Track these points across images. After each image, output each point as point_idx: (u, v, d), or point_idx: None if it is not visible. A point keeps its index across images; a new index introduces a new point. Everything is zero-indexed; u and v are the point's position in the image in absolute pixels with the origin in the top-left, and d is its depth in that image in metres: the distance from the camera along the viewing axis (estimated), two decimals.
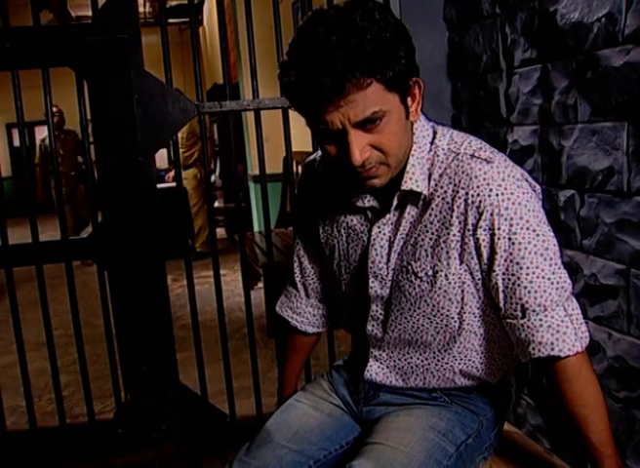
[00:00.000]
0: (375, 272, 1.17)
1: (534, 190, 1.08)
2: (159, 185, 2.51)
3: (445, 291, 1.11)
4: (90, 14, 1.89)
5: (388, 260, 1.15)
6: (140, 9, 9.75)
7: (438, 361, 1.20)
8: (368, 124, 1.00)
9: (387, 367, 1.25)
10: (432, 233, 1.09)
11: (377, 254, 1.16)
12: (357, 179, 1.06)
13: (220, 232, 7.33)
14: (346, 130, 1.00)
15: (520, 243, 1.04)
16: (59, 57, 1.92)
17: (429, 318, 1.15)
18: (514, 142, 1.76)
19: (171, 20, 9.32)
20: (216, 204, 7.45)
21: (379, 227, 1.15)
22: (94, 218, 2.06)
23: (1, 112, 11.56)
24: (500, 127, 1.82)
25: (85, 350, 2.07)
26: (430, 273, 1.11)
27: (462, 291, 1.11)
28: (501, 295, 1.08)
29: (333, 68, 0.94)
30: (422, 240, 1.11)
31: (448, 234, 1.08)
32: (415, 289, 1.13)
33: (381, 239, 1.15)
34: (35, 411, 2.12)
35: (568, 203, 1.58)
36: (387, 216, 1.14)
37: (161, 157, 8.63)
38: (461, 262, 1.09)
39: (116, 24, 1.88)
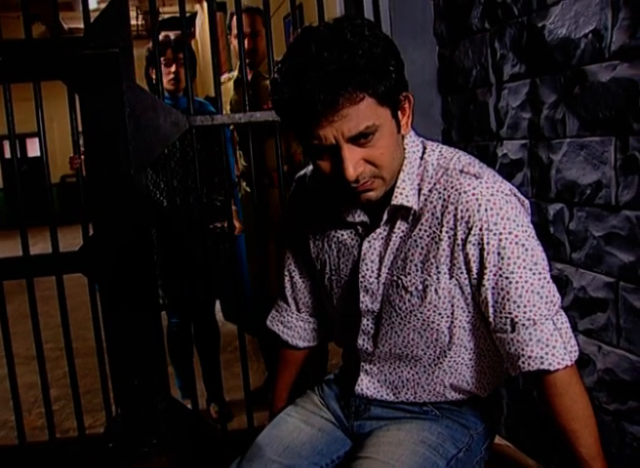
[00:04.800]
0: (365, 286, 1.17)
1: (522, 205, 1.09)
2: None
3: (435, 305, 1.12)
4: (82, 26, 1.89)
5: (379, 275, 1.15)
6: (133, 21, 9.77)
7: (429, 375, 1.20)
8: (361, 138, 1.00)
9: (378, 381, 1.25)
10: (422, 248, 1.10)
11: (367, 269, 1.16)
12: (352, 194, 1.07)
13: None
14: (340, 145, 1.00)
15: (509, 257, 1.05)
16: (51, 70, 1.93)
17: (420, 332, 1.15)
18: (504, 156, 1.77)
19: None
20: None
21: (369, 242, 1.15)
22: (84, 232, 2.06)
23: None
24: (490, 141, 1.84)
25: (75, 363, 2.06)
26: (420, 288, 1.11)
27: (452, 305, 1.12)
28: (491, 310, 1.09)
29: (326, 83, 0.95)
30: (412, 255, 1.11)
31: (437, 249, 1.08)
32: (405, 303, 1.13)
33: (372, 253, 1.15)
34: (25, 426, 2.11)
35: (557, 216, 1.59)
36: (378, 231, 1.14)
37: None
38: (451, 277, 1.09)
39: (109, 38, 1.89)
